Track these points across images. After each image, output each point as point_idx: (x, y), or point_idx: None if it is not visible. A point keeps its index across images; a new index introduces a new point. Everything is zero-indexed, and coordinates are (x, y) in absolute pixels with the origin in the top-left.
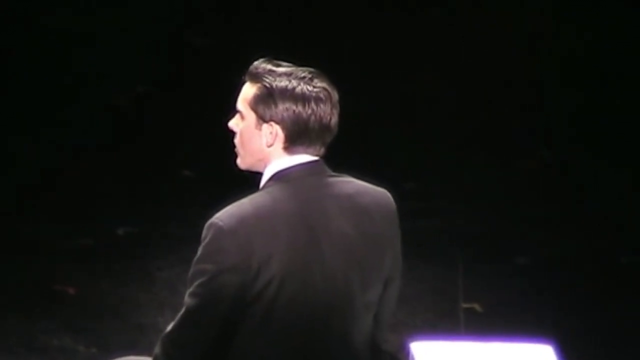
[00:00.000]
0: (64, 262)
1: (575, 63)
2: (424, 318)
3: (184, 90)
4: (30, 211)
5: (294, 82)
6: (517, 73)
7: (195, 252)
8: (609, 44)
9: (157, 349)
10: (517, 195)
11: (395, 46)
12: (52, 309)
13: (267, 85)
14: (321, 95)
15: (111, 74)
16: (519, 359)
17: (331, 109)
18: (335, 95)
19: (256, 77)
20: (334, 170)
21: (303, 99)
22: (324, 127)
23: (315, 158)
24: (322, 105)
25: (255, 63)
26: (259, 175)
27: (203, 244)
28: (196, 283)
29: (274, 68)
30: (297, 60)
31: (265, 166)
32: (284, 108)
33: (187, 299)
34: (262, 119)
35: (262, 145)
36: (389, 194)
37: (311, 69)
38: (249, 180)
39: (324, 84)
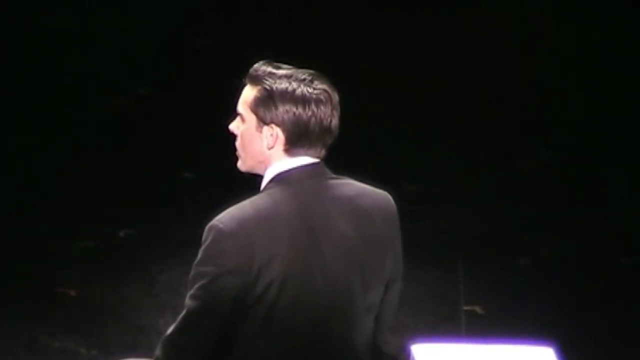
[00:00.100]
0: (65, 264)
1: (575, 63)
2: (424, 320)
3: (184, 90)
4: (30, 213)
5: (294, 84)
6: (517, 73)
7: (196, 254)
8: (609, 44)
9: (157, 351)
10: (517, 196)
11: (395, 46)
12: (53, 310)
13: (268, 87)
14: (321, 97)
15: (111, 74)
16: None
17: (332, 111)
18: (335, 97)
19: (256, 80)
20: (335, 172)
21: (303, 101)
22: (325, 129)
23: (316, 160)
24: (322, 107)
25: (256, 65)
26: (259, 177)
27: (204, 246)
28: (197, 285)
29: (274, 70)
30: (297, 60)
31: (265, 168)
32: (284, 110)
33: (188, 301)
34: (262, 121)
35: (262, 147)
36: (389, 196)
37: (311, 71)
38: (250, 182)
39: (324, 86)
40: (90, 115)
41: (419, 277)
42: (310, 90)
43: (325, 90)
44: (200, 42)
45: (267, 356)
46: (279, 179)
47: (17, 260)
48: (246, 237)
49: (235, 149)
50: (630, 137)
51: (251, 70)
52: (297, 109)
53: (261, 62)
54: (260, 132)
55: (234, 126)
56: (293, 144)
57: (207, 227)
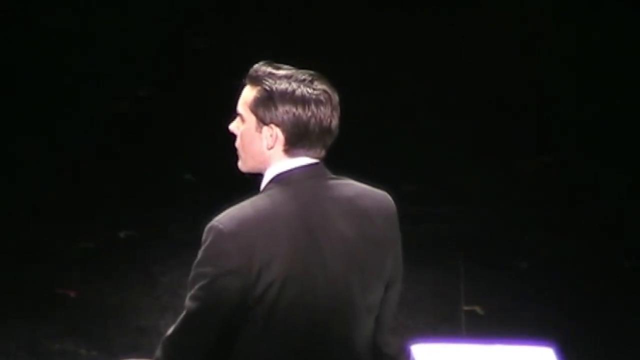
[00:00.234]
0: (65, 265)
1: (575, 63)
2: (425, 320)
3: (184, 90)
4: (30, 213)
5: (294, 85)
6: (517, 73)
7: (196, 255)
8: (609, 44)
9: (158, 352)
10: (517, 196)
11: (395, 46)
12: (54, 312)
13: (267, 88)
14: (321, 97)
15: (111, 74)
16: None
17: (331, 112)
18: (335, 98)
19: (256, 80)
20: (335, 173)
21: (303, 101)
22: (324, 130)
23: (316, 160)
24: (322, 108)
25: (256, 66)
26: (260, 177)
27: (203, 247)
28: (197, 286)
29: (274, 71)
30: (297, 60)
31: (265, 169)
32: (284, 111)
33: (188, 302)
34: (262, 121)
35: (262, 148)
36: (389, 197)
37: (311, 72)
38: (250, 183)
39: (324, 87)
40: (90, 115)
41: (419, 278)
42: (310, 90)
43: (325, 91)
44: (200, 42)
45: (267, 357)
46: (278, 179)
47: (17, 261)
48: (246, 238)
49: (235, 149)
50: (630, 137)
51: (251, 71)
52: (296, 109)
53: (261, 63)
54: (260, 132)
55: (234, 126)
56: (293, 145)
57: (206, 228)
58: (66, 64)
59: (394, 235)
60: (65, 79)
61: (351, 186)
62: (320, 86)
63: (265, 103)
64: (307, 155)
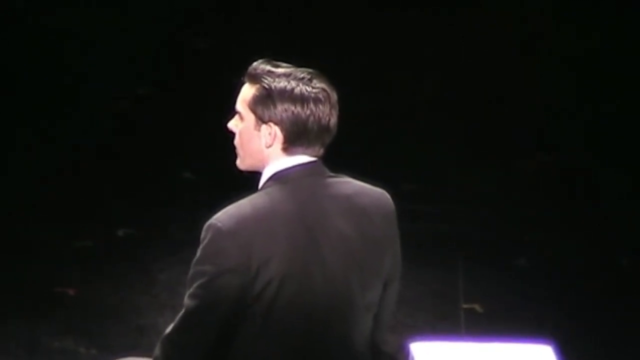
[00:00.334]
0: (64, 263)
1: (575, 63)
2: (424, 319)
3: (184, 90)
4: (30, 212)
5: (293, 83)
6: (517, 73)
7: (196, 253)
8: (609, 44)
9: (157, 351)
10: (517, 196)
11: (395, 46)
12: (53, 310)
13: (266, 86)
14: (320, 96)
15: (111, 74)
16: (519, 359)
17: (330, 110)
18: (334, 96)
19: (255, 78)
20: (333, 171)
21: (302, 99)
22: (323, 128)
23: (314, 159)
24: (320, 106)
25: (254, 64)
26: (259, 176)
27: (202, 245)
28: (195, 284)
29: (273, 69)
30: (297, 60)
31: (264, 167)
32: (282, 109)
33: (187, 301)
34: (261, 119)
35: (261, 146)
36: (387, 195)
37: (310, 70)
38: (250, 182)
39: (323, 85)
40: (90, 115)
41: (418, 277)
42: (309, 89)
43: (323, 89)
44: (200, 42)
45: (266, 355)
46: (277, 177)
47: (17, 259)
48: (245, 236)
49: (234, 147)
50: (630, 137)
51: (250, 69)
52: (295, 107)
53: (260, 61)
54: (259, 130)
55: (233, 124)
56: (291, 143)
57: (205, 226)
58: (66, 64)
59: (393, 233)
60: (65, 79)
61: (349, 184)
62: (319, 84)
63: (264, 101)
64: (305, 154)
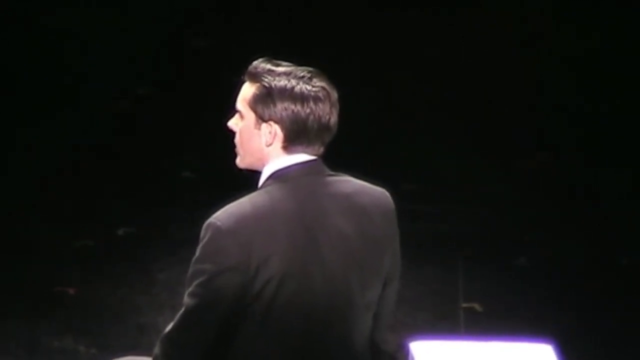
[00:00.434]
0: (64, 263)
1: (575, 63)
2: (423, 318)
3: (184, 90)
4: (30, 212)
5: (293, 82)
6: (517, 73)
7: (195, 252)
8: (609, 44)
9: (156, 350)
10: (517, 196)
11: (395, 46)
12: (53, 310)
13: (266, 84)
14: (320, 94)
15: (111, 74)
16: (519, 358)
17: (330, 109)
18: (334, 95)
19: (255, 77)
20: (333, 171)
21: (302, 98)
22: (323, 127)
23: (314, 157)
24: (320, 105)
25: (255, 63)
26: (258, 175)
27: (201, 244)
28: (195, 283)
29: (273, 67)
30: (297, 60)
31: (264, 165)
32: (282, 107)
33: (186, 299)
34: (261, 118)
35: (261, 144)
36: (387, 194)
37: (310, 69)
38: (249, 181)
39: (323, 84)
40: (90, 115)
41: (418, 276)
42: (309, 87)
43: (323, 88)
44: (200, 42)
45: (265, 354)
46: (276, 176)
47: (16, 259)
48: (244, 235)
49: (234, 146)
50: (630, 137)
51: (250, 67)
52: (295, 106)
53: (260, 60)
54: (259, 129)
55: (233, 123)
56: (291, 142)
57: (205, 225)
58: (66, 64)
59: (392, 232)
60: (65, 79)
61: (349, 183)
62: (319, 83)
63: (264, 100)
64: (305, 152)
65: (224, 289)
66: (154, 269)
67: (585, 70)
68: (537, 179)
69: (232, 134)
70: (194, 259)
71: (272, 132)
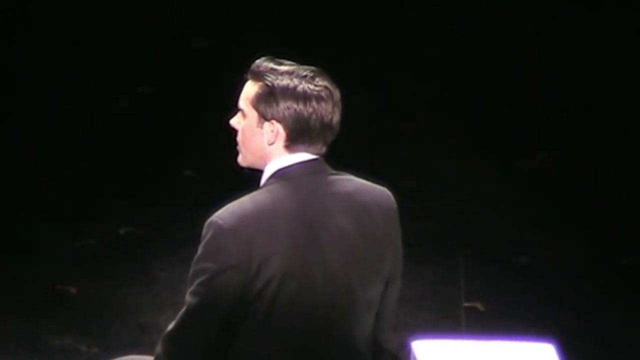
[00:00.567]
0: (66, 262)
1: (575, 63)
2: (425, 317)
3: (184, 90)
4: (31, 211)
5: (296, 81)
6: (517, 73)
7: (196, 251)
8: (609, 44)
9: (158, 348)
10: (517, 196)
11: (395, 46)
12: (54, 309)
13: (269, 83)
14: (322, 94)
15: (111, 74)
16: (520, 357)
17: (333, 108)
18: (337, 94)
19: (258, 76)
20: (335, 169)
21: (304, 97)
22: (325, 126)
23: (316, 156)
24: (323, 104)
25: (258, 61)
26: (259, 174)
27: (203, 242)
28: (197, 282)
29: (276, 67)
30: (297, 60)
31: (266, 164)
32: (285, 107)
33: (188, 298)
34: (263, 117)
35: (263, 143)
36: (389, 193)
37: (313, 68)
38: (250, 181)
39: (325, 83)
40: (90, 115)
41: (419, 275)
42: (312, 87)
43: (326, 87)
44: (200, 42)
45: (266, 353)
46: (278, 175)
47: (18, 258)
48: (246, 234)
49: (236, 144)
50: (630, 137)
51: (253, 66)
52: (298, 105)
53: (263, 58)
54: (261, 128)
55: (235, 121)
56: (294, 141)
57: (206, 223)
58: (66, 64)
59: (394, 231)
60: (65, 79)
61: (351, 182)
62: (321, 82)
63: (267, 99)
64: (307, 151)
65: (225, 287)
66: (155, 267)
67: (585, 70)
68: (537, 179)
69: (234, 132)
70: (195, 257)
71: (275, 131)
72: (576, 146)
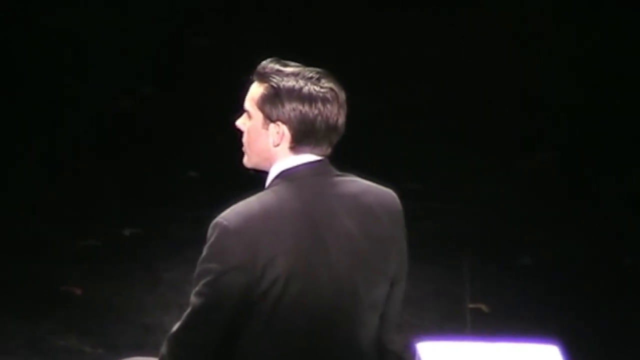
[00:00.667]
0: (70, 263)
1: (575, 63)
2: (430, 318)
3: (184, 90)
4: (35, 212)
5: (301, 82)
6: (517, 73)
7: (201, 252)
8: (609, 44)
9: (163, 349)
10: (517, 196)
11: (395, 46)
12: (58, 309)
13: (275, 85)
14: (328, 95)
15: (111, 74)
16: (525, 358)
17: (338, 109)
18: (342, 96)
19: (264, 77)
20: (339, 170)
21: (310, 99)
22: (331, 127)
23: (321, 158)
24: (328, 106)
25: (263, 63)
26: (264, 175)
27: (208, 243)
28: (202, 282)
29: (282, 68)
30: (296, 60)
31: (271, 165)
32: (290, 108)
33: (193, 299)
34: (269, 118)
35: (268, 144)
36: (394, 194)
37: (319, 69)
38: (254, 181)
39: (331, 85)
40: (91, 115)
41: (424, 276)
42: (317, 88)
43: (332, 89)
44: (200, 42)
45: (271, 354)
46: (283, 176)
47: (22, 259)
48: (251, 234)
49: (241, 145)
50: (630, 137)
51: (259, 68)
52: (303, 107)
53: (269, 60)
54: (267, 129)
55: (241, 122)
56: (299, 142)
57: (211, 224)
58: (66, 64)
59: (399, 233)
60: (65, 79)
61: (356, 183)
62: (327, 84)
63: (272, 100)
64: (312, 153)
65: (230, 288)
66: (160, 268)
67: (585, 70)
68: (537, 179)
69: (239, 133)
70: (200, 258)
71: (280, 133)
72: (576, 146)
